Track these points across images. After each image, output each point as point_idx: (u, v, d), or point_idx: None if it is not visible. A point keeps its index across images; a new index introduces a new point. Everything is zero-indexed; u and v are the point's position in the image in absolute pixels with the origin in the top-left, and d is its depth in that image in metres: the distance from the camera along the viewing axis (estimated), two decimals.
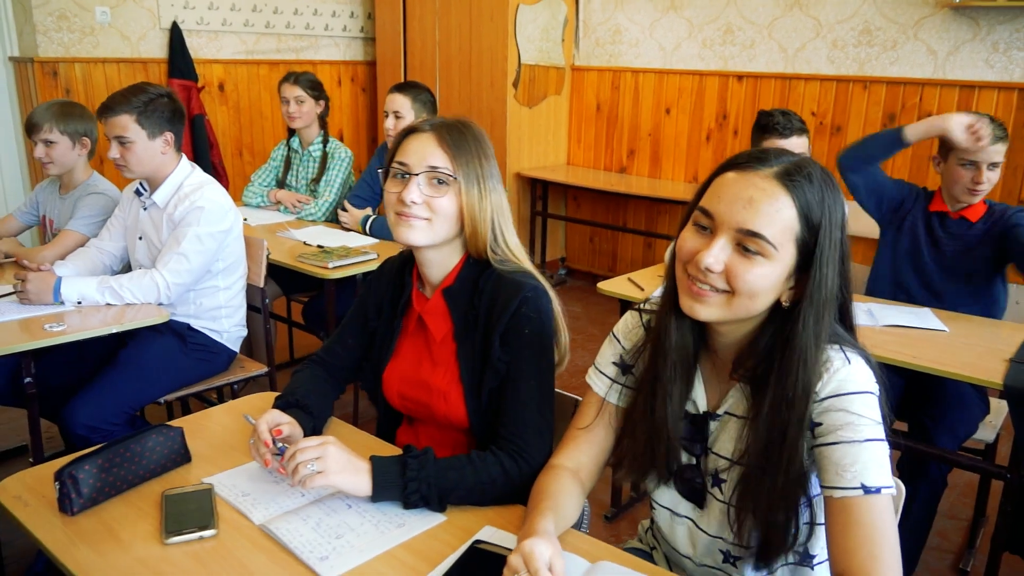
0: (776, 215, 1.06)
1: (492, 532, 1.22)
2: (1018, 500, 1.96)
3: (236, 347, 2.62)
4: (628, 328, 1.33)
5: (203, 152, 4.99)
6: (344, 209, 3.30)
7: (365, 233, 3.19)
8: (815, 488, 1.15)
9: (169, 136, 2.39)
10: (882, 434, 1.07)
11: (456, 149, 1.38)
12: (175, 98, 2.43)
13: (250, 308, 2.69)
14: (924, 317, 2.32)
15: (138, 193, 2.51)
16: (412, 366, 1.51)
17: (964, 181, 2.35)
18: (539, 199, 5.25)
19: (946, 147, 2.39)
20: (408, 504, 1.26)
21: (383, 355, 1.55)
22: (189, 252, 2.33)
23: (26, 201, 2.97)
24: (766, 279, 1.07)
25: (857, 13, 4.14)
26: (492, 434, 1.41)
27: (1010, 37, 3.72)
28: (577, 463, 1.31)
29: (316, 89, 3.51)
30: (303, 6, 5.52)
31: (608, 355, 1.34)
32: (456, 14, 5.15)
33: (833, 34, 4.24)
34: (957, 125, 2.29)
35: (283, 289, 3.46)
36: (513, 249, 1.45)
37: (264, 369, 2.69)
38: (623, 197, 5.10)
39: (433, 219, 1.38)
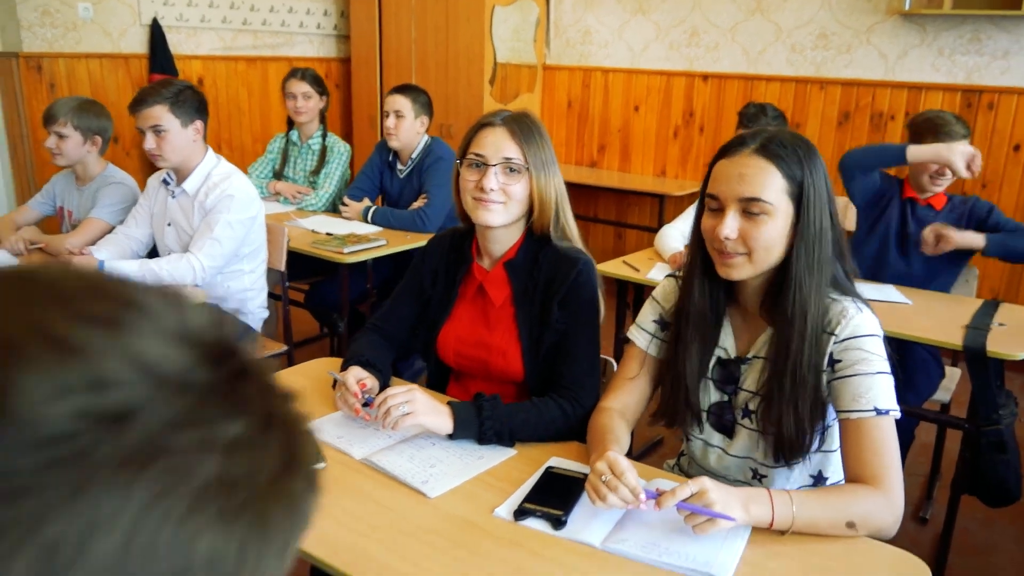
0: (765, 180, 1.31)
1: (559, 461, 1.44)
2: (975, 447, 2.25)
3: (259, 327, 2.78)
4: (666, 292, 1.56)
5: None
6: (344, 203, 3.47)
7: (367, 222, 3.36)
8: (830, 418, 1.40)
9: (199, 124, 2.54)
10: (888, 369, 1.32)
11: (526, 141, 1.59)
12: (199, 90, 2.58)
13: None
14: (888, 292, 2.61)
15: (165, 183, 2.65)
16: (469, 328, 1.72)
17: (930, 171, 2.64)
18: None
19: (916, 137, 2.67)
20: (483, 440, 1.47)
21: (439, 318, 1.75)
22: (222, 237, 2.49)
23: (42, 191, 3.06)
24: (773, 232, 1.32)
25: (814, 19, 4.46)
26: (543, 384, 1.63)
27: (954, 43, 4.08)
28: (623, 405, 1.53)
29: (320, 85, 3.67)
30: (279, 4, 5.63)
31: (649, 315, 1.57)
32: (432, 14, 5.33)
33: (792, 38, 4.55)
34: (959, 157, 2.52)
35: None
36: (571, 227, 1.67)
37: (284, 348, 2.85)
38: (594, 189, 5.35)
39: (508, 203, 1.60)
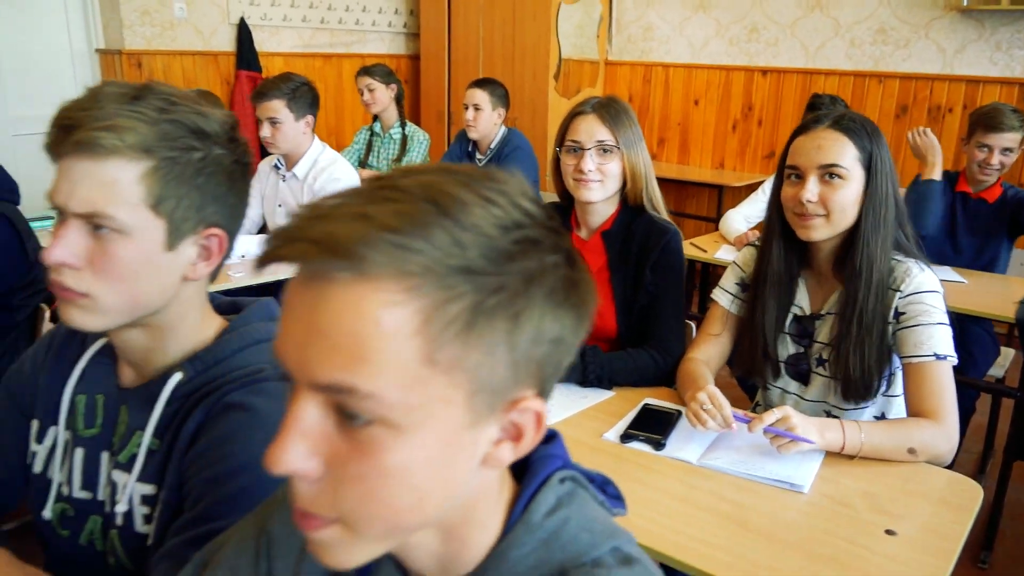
0: (841, 150, 1.53)
1: (653, 400, 1.67)
2: None
3: None
4: (747, 258, 1.78)
5: None
6: None
7: None
8: (894, 365, 1.60)
9: (310, 118, 2.82)
10: (947, 321, 1.52)
11: (615, 124, 1.82)
12: (313, 87, 2.86)
13: None
14: (944, 272, 2.78)
15: (276, 168, 2.94)
16: None
17: (977, 159, 2.81)
18: None
19: (970, 130, 2.84)
20: (586, 382, 1.71)
21: None
22: None
23: None
24: (848, 195, 1.53)
25: (873, 14, 4.59)
26: (635, 340, 1.86)
27: (1011, 37, 4.19)
28: (707, 356, 1.75)
29: (384, 75, 3.95)
30: (353, 3, 5.93)
31: (731, 278, 1.79)
32: (500, 12, 5.57)
33: (851, 33, 4.69)
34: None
35: None
36: (657, 195, 1.90)
37: None
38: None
39: (604, 180, 1.83)
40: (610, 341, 1.93)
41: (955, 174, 2.99)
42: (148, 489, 0.98)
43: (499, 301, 0.51)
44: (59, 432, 1.05)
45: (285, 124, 2.75)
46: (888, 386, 1.62)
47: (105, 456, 1.02)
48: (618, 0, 5.68)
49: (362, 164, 4.13)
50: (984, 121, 2.78)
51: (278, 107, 2.73)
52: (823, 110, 3.05)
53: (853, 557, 1.16)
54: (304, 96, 2.78)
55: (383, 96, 3.98)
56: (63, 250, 0.88)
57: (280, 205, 2.91)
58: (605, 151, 1.83)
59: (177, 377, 0.97)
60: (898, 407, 1.66)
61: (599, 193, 1.85)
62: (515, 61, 5.59)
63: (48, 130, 0.90)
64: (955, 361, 1.51)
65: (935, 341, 1.49)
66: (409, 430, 0.51)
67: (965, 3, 4.22)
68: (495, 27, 5.63)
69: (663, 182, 5.48)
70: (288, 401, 0.55)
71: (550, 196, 4.25)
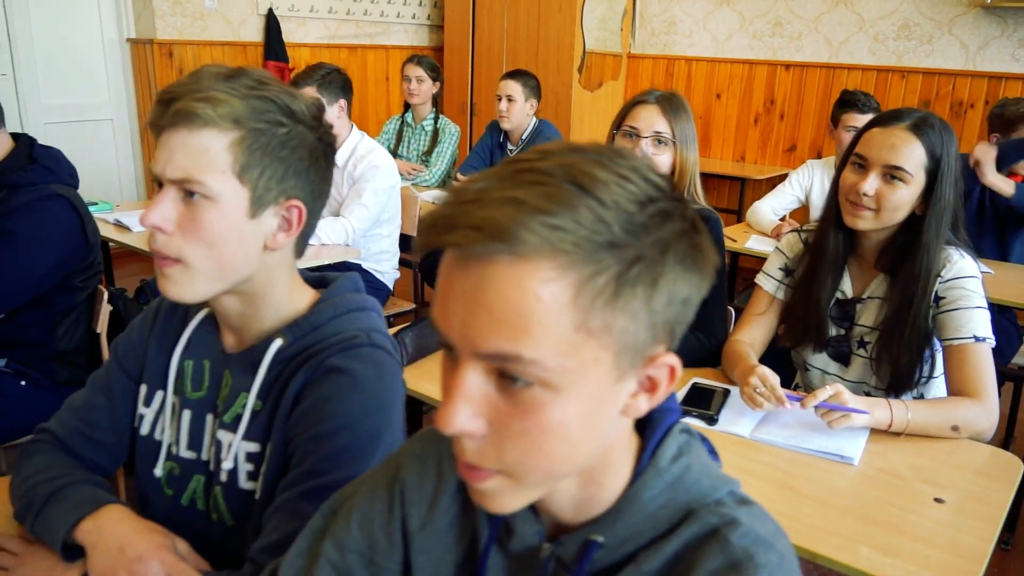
0: (911, 154, 1.57)
1: (701, 380, 1.74)
2: None
3: (392, 286, 3.13)
4: (791, 244, 1.85)
5: None
6: (457, 179, 3.80)
7: None
8: (934, 347, 1.67)
9: (343, 103, 2.89)
10: (986, 304, 1.59)
11: (675, 118, 1.89)
12: (344, 72, 2.93)
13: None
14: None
15: None
16: None
17: None
18: None
19: (1004, 127, 2.90)
20: None
21: None
22: (369, 203, 2.84)
23: None
24: (905, 197, 1.59)
25: (897, 10, 4.64)
26: None
27: None
28: (752, 338, 1.82)
29: (434, 71, 4.02)
30: None
31: (775, 264, 1.85)
32: (525, 5, 5.63)
33: (875, 28, 4.74)
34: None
35: None
36: (700, 193, 1.97)
37: (412, 306, 3.20)
38: None
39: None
40: None
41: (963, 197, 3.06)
42: (253, 447, 1.05)
43: (639, 270, 0.57)
44: (167, 396, 1.13)
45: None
46: (932, 368, 1.68)
47: (210, 418, 1.10)
48: None
49: (392, 154, 4.19)
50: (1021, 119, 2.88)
51: (310, 93, 2.80)
52: (848, 110, 3.11)
53: (906, 522, 1.24)
54: (335, 81, 2.85)
55: (427, 89, 4.05)
56: (157, 215, 0.95)
57: None
58: (660, 142, 1.90)
59: (278, 343, 1.04)
60: (936, 388, 1.72)
61: None
62: (539, 54, 5.65)
63: (152, 108, 0.98)
64: (993, 343, 1.57)
65: (974, 324, 1.56)
66: (565, 390, 0.58)
67: (989, 0, 4.26)
68: (520, 20, 5.69)
69: None
70: (450, 369, 0.61)
71: None
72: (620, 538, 0.68)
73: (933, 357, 1.68)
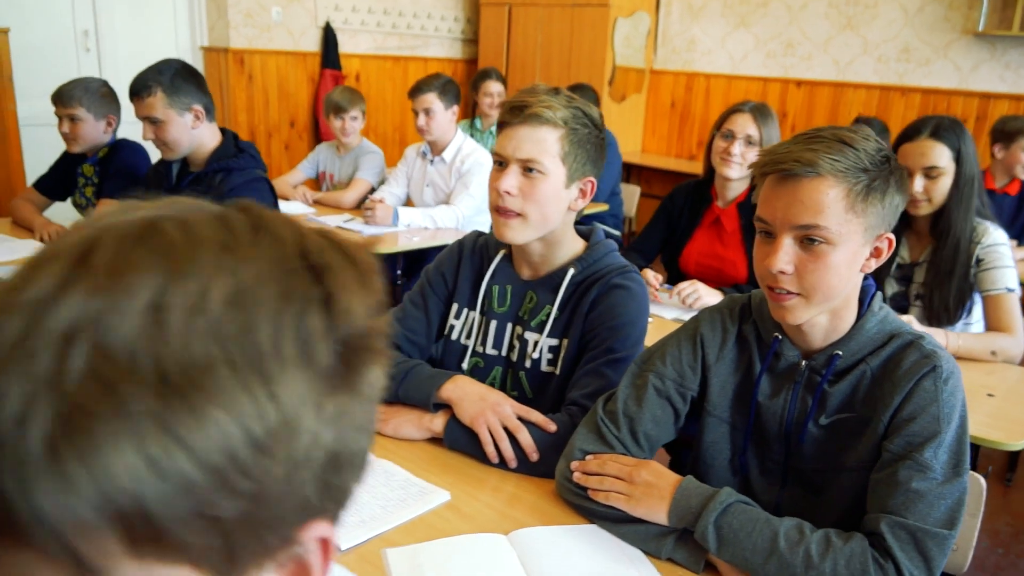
0: (940, 154, 2.11)
1: None
2: None
3: None
4: None
5: None
6: None
7: None
8: (973, 301, 2.21)
9: (455, 108, 3.38)
10: (1013, 264, 2.13)
11: (764, 124, 2.41)
12: (456, 82, 3.43)
13: None
14: None
15: (424, 154, 3.51)
16: (706, 246, 2.55)
17: (1022, 161, 3.46)
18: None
19: (1006, 139, 3.47)
20: None
21: (683, 239, 2.59)
22: (476, 194, 3.34)
23: (308, 159, 3.94)
24: (945, 185, 2.12)
25: (899, 35, 5.25)
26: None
27: (1020, 58, 4.85)
28: None
29: (505, 85, 4.52)
30: (420, 10, 6.50)
31: None
32: (558, 23, 6.17)
33: (878, 51, 5.34)
34: None
35: None
36: None
37: None
38: (691, 177, 6.18)
39: (743, 164, 2.42)
40: (739, 286, 2.53)
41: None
42: (553, 342, 1.55)
43: (878, 184, 1.11)
44: (476, 312, 1.62)
45: (437, 114, 3.32)
46: (969, 313, 2.23)
47: (509, 326, 1.59)
48: (665, 15, 6.30)
49: None
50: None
51: (432, 99, 3.30)
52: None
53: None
54: (451, 90, 3.35)
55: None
56: (508, 183, 1.45)
57: (428, 185, 3.48)
58: (750, 143, 2.43)
59: (571, 271, 1.54)
60: (974, 331, 2.26)
61: (737, 172, 2.44)
62: (571, 68, 6.19)
63: (503, 110, 1.48)
64: (1019, 293, 2.12)
65: (1006, 279, 2.10)
66: (839, 245, 1.11)
67: (980, 28, 4.87)
68: (553, 36, 6.23)
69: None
70: (766, 246, 1.14)
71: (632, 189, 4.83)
72: (851, 352, 1.19)
73: (972, 307, 2.22)
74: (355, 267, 0.39)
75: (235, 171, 2.48)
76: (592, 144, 1.50)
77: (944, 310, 2.18)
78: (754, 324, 1.28)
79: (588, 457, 1.24)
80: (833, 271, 1.11)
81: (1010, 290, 2.10)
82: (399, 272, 3.30)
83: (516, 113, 1.46)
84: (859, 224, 1.11)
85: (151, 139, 2.43)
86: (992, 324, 2.11)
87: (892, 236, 1.16)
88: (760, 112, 2.45)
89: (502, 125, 1.49)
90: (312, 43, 5.87)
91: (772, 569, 1.05)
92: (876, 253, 1.16)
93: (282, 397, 0.34)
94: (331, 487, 0.37)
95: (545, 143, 1.45)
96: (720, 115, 2.52)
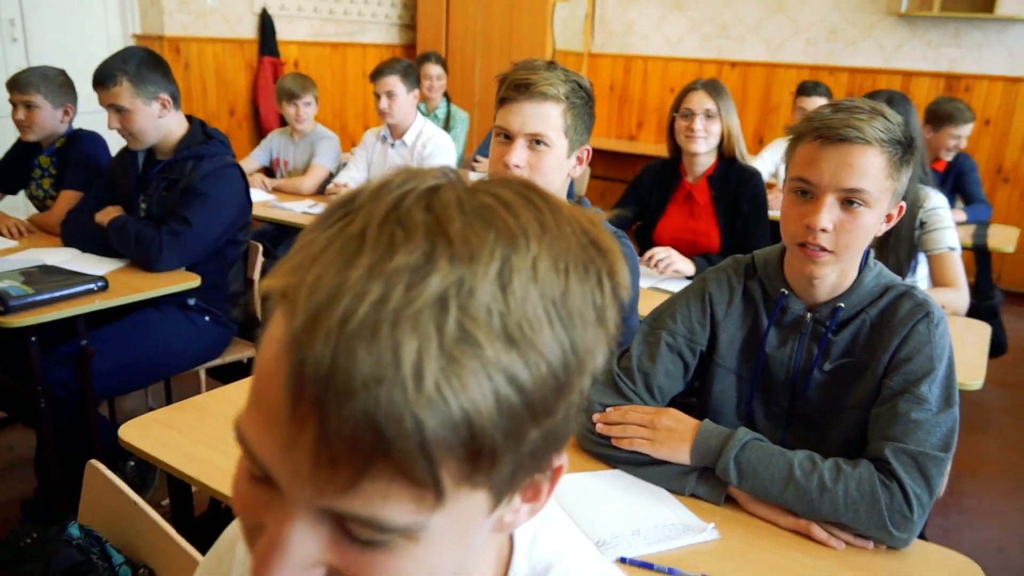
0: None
1: None
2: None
3: None
4: None
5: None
6: (476, 160, 4.36)
7: None
8: (917, 260, 2.38)
9: (417, 92, 3.42)
10: (953, 225, 2.31)
11: (719, 97, 2.53)
12: (415, 66, 3.46)
13: None
14: None
15: (384, 138, 3.54)
16: (680, 220, 2.67)
17: (947, 146, 3.69)
18: None
19: (937, 122, 3.68)
20: None
21: (656, 215, 2.70)
22: None
23: (261, 146, 3.91)
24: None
25: (827, 17, 5.48)
26: (734, 251, 2.59)
27: (939, 38, 5.14)
28: None
29: (444, 65, 4.56)
30: None
31: None
32: (498, 7, 6.22)
33: (808, 32, 5.57)
34: None
35: None
36: (744, 151, 2.63)
37: None
38: (633, 156, 6.33)
39: (708, 137, 2.54)
40: (710, 256, 2.66)
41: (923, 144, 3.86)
42: None
43: (907, 158, 1.23)
44: None
45: (399, 97, 3.35)
46: (913, 273, 2.40)
47: None
48: None
49: None
50: (950, 117, 3.65)
51: (394, 82, 3.33)
52: (811, 96, 3.89)
53: None
54: (412, 73, 3.38)
55: (443, 84, 4.59)
56: (518, 157, 1.53)
57: (390, 169, 3.51)
58: (709, 117, 2.54)
59: None
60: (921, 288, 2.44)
61: (703, 146, 2.56)
62: (512, 53, 6.25)
63: (505, 86, 1.55)
64: (959, 251, 2.30)
65: (948, 238, 2.28)
66: (875, 208, 1.23)
67: (903, 9, 5.14)
68: (494, 21, 6.28)
69: (641, 158, 6.29)
70: (800, 205, 1.25)
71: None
72: (852, 303, 1.31)
73: (916, 265, 2.40)
74: (618, 247, 0.47)
75: (206, 158, 2.47)
76: (588, 114, 1.58)
77: (898, 271, 2.34)
78: (759, 281, 1.38)
79: (608, 409, 1.33)
80: (864, 231, 1.22)
81: (952, 248, 2.28)
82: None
83: (521, 90, 1.52)
84: (890, 190, 1.22)
85: (116, 128, 2.40)
86: (938, 280, 2.29)
87: (904, 203, 1.28)
88: (713, 87, 2.57)
89: (504, 100, 1.55)
90: (249, 30, 5.78)
91: (790, 496, 1.15)
92: (889, 219, 1.28)
93: (581, 350, 0.42)
94: (572, 423, 0.46)
95: (550, 118, 1.52)
96: (676, 97, 2.63)
